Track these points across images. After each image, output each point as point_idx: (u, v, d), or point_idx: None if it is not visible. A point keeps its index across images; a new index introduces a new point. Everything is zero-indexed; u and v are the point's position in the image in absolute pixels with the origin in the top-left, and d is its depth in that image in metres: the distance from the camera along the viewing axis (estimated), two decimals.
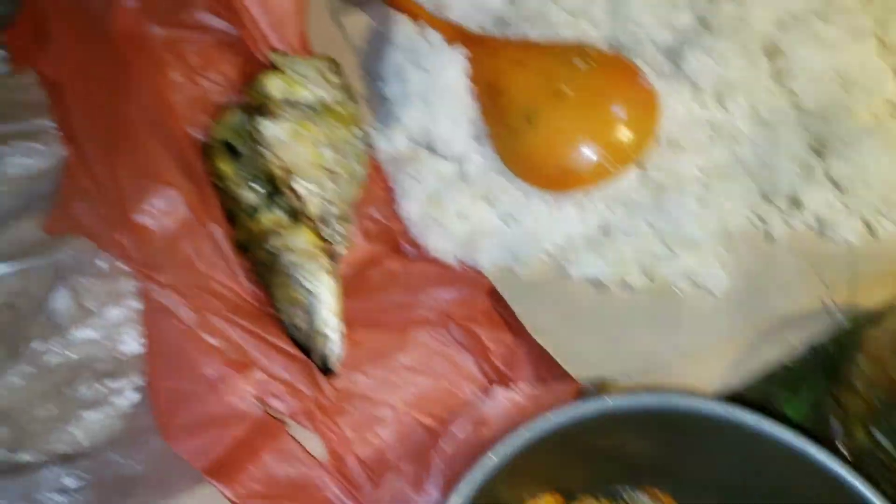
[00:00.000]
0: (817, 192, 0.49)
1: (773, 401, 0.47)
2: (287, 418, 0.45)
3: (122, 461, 0.42)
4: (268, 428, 0.44)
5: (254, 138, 0.49)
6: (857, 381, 0.43)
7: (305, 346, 0.47)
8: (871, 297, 0.47)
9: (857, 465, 0.44)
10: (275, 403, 0.45)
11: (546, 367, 0.47)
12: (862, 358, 0.43)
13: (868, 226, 0.49)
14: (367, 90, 0.55)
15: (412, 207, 0.51)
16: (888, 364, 0.40)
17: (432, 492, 0.40)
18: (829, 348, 0.47)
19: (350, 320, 0.48)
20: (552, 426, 0.40)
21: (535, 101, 0.50)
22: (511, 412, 0.44)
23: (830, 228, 0.49)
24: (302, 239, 0.48)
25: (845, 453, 0.44)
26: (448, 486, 0.40)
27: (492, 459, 0.37)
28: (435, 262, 0.50)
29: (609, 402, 0.40)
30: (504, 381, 0.45)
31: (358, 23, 0.57)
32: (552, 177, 0.50)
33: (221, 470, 0.42)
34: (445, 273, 0.50)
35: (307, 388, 0.46)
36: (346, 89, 0.53)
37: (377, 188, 0.52)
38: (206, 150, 0.51)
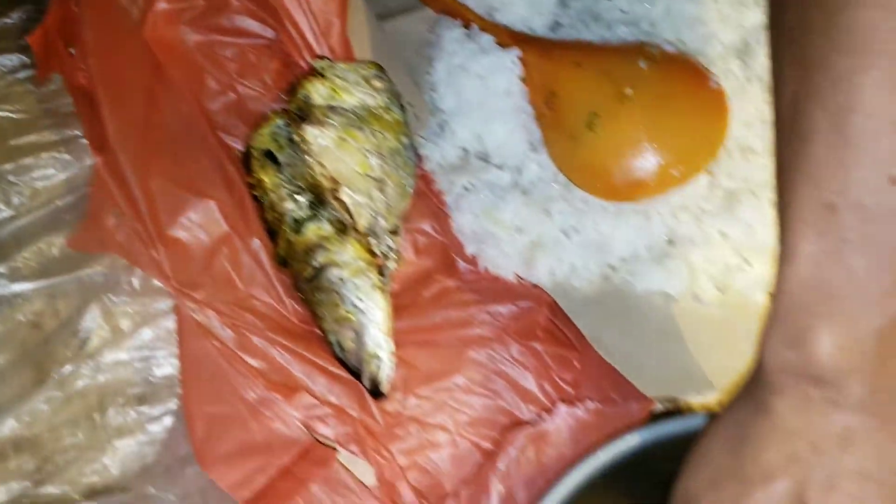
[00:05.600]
0: None
1: None
2: (335, 445, 0.42)
3: (157, 494, 0.39)
4: (315, 456, 0.41)
5: (297, 147, 0.46)
6: None
7: (354, 368, 0.44)
8: None
9: None
10: (322, 429, 0.42)
11: (612, 386, 0.43)
12: None
13: None
14: (417, 100, 0.52)
15: (466, 220, 0.48)
16: None
17: None
18: None
19: (401, 340, 0.45)
20: (631, 447, 0.36)
21: (595, 104, 0.47)
22: (575, 431, 0.41)
23: None
24: (350, 253, 0.45)
25: None
26: None
27: (574, 477, 0.33)
28: (491, 277, 0.47)
29: (696, 421, 0.37)
30: (567, 399, 0.42)
31: (404, 29, 0.54)
32: (615, 186, 0.47)
33: (266, 502, 0.38)
34: (502, 288, 0.47)
35: (356, 412, 0.43)
36: (393, 95, 0.50)
37: (429, 201, 0.49)
38: (245, 161, 0.48)
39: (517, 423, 0.42)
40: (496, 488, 0.38)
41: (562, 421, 0.40)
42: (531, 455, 0.39)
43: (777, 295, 0.28)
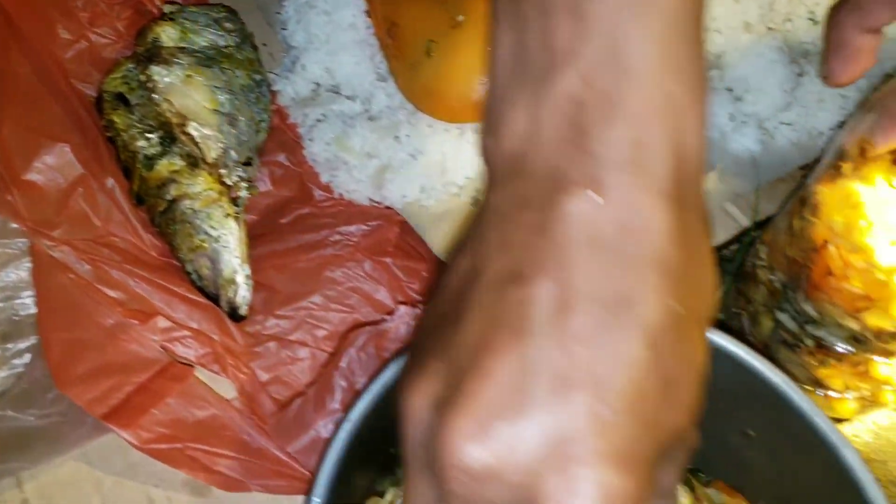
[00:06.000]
0: (718, 104, 0.50)
1: None
2: (195, 364, 0.44)
3: (15, 415, 0.40)
4: (172, 373, 0.43)
5: (146, 87, 0.48)
6: (760, 271, 0.43)
7: (212, 294, 0.46)
8: (771, 198, 0.47)
9: (766, 353, 0.45)
10: (181, 351, 0.44)
11: None
12: (762, 248, 0.43)
13: (766, 132, 0.50)
14: (270, 38, 0.54)
15: (319, 150, 0.50)
16: (784, 245, 0.41)
17: (335, 408, 0.39)
18: (734, 250, 0.48)
19: (259, 265, 0.47)
20: None
21: (431, 32, 0.49)
22: (413, 327, 0.43)
23: (732, 138, 0.50)
24: (201, 185, 0.47)
25: (757, 346, 0.45)
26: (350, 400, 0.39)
27: (397, 363, 0.36)
28: (345, 202, 0.49)
29: None
30: (410, 302, 0.45)
31: None
32: (454, 109, 0.49)
33: (122, 416, 0.40)
34: (356, 211, 0.49)
35: (215, 334, 0.45)
36: (244, 35, 0.52)
37: (283, 134, 0.51)
38: (98, 105, 0.49)
39: (359, 325, 0.45)
40: (339, 384, 0.41)
41: (400, 320, 0.43)
42: (371, 351, 0.42)
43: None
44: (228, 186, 0.47)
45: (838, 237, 0.38)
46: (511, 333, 0.22)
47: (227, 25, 0.51)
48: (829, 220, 0.39)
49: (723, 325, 0.47)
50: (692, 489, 0.42)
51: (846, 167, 0.38)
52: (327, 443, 0.33)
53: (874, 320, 0.40)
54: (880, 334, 0.40)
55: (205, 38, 0.50)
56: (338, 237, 0.48)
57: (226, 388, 0.44)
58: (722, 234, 0.48)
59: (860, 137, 0.38)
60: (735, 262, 0.47)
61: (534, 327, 0.22)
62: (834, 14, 0.40)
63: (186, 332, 0.44)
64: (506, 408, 0.21)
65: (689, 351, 0.24)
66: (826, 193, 0.39)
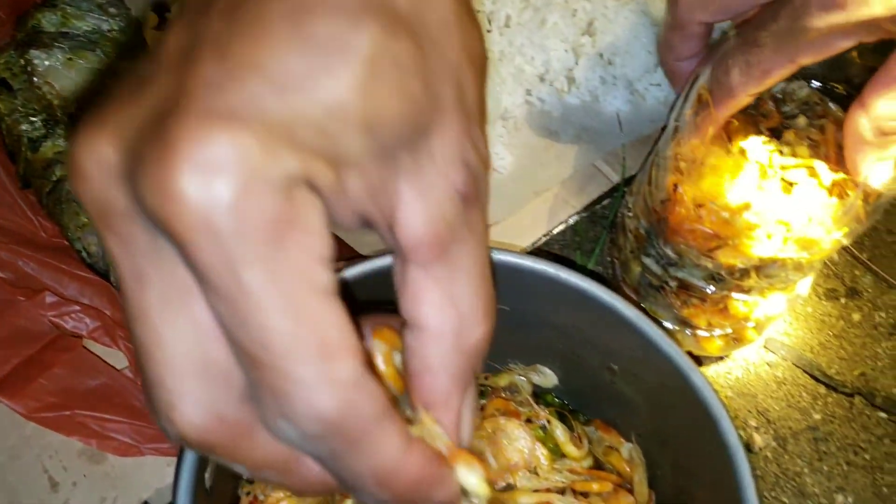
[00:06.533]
0: (589, 68, 0.53)
1: (569, 257, 0.50)
2: (86, 338, 0.45)
3: None
4: (61, 345, 0.43)
5: (27, 72, 0.49)
6: (628, 220, 0.46)
7: (102, 270, 0.47)
8: (642, 155, 0.50)
9: (637, 297, 0.47)
10: (71, 325, 0.45)
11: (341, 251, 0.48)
12: (630, 200, 0.46)
13: (635, 93, 0.53)
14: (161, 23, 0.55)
15: None
16: (645, 194, 0.43)
17: None
18: (605, 204, 0.50)
19: None
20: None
21: None
22: None
23: (604, 100, 0.52)
24: None
25: (628, 291, 0.48)
26: None
27: None
28: None
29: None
30: None
31: None
32: None
33: (8, 387, 0.41)
34: None
35: (107, 308, 0.46)
36: (128, 19, 0.53)
37: None
38: None
39: None
40: None
41: None
42: None
43: None
44: None
45: (687, 183, 0.41)
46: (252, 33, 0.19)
47: (111, 10, 0.52)
48: (679, 167, 0.42)
49: (598, 276, 0.50)
50: (571, 428, 0.45)
51: (689, 123, 0.41)
52: None
53: (726, 258, 0.42)
54: (733, 271, 0.43)
55: (87, 23, 0.51)
56: None
57: (118, 360, 0.45)
58: (595, 191, 0.51)
59: (700, 89, 0.41)
60: (609, 216, 0.50)
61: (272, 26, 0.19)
62: (658, 49, 0.46)
63: (76, 307, 0.45)
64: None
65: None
66: (675, 145, 0.42)
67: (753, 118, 0.44)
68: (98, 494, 0.42)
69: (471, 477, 0.25)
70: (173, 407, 0.20)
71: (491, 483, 0.26)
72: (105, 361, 0.44)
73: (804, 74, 0.42)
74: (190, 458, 0.32)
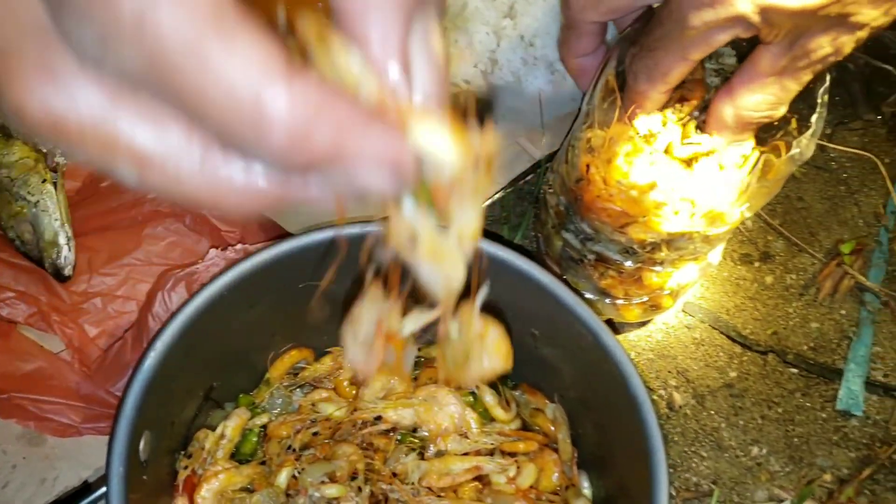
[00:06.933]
0: (511, 51, 0.55)
1: (497, 232, 0.52)
2: (22, 324, 0.45)
3: None
4: None
5: None
6: (549, 196, 0.48)
7: (36, 257, 0.47)
8: (562, 132, 0.53)
9: (559, 271, 0.50)
10: (6, 312, 0.45)
11: (264, 229, 0.49)
12: (551, 177, 0.48)
13: (556, 73, 0.55)
14: None
15: None
16: (564, 172, 0.46)
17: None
18: (529, 180, 0.53)
19: (82, 228, 0.49)
20: (256, 263, 0.40)
21: None
22: (223, 267, 0.46)
23: (526, 80, 0.55)
24: (16, 154, 0.48)
25: (551, 264, 0.50)
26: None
27: (200, 297, 0.38)
28: None
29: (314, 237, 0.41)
30: (225, 248, 0.48)
31: None
32: None
33: None
34: None
35: (42, 294, 0.46)
36: None
37: None
38: None
39: (169, 270, 0.47)
40: (151, 324, 0.43)
41: (211, 262, 0.45)
42: (182, 291, 0.44)
43: None
44: (45, 154, 0.49)
45: (598, 164, 0.44)
46: None
47: None
48: (590, 149, 0.44)
49: (523, 249, 0.52)
50: (499, 393, 0.47)
51: (598, 108, 0.43)
52: (134, 371, 0.36)
53: (636, 233, 0.45)
54: (644, 245, 0.46)
55: None
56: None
57: (55, 345, 0.46)
58: (519, 167, 0.53)
59: (608, 76, 0.43)
60: (534, 192, 0.52)
61: None
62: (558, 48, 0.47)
63: (10, 294, 0.45)
64: None
65: None
66: (587, 129, 0.44)
67: (682, 97, 0.46)
68: (38, 476, 0.43)
69: (433, 137, 0.18)
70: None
71: (465, 152, 0.19)
72: (41, 346, 0.45)
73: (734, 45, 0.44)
74: (123, 429, 0.34)
